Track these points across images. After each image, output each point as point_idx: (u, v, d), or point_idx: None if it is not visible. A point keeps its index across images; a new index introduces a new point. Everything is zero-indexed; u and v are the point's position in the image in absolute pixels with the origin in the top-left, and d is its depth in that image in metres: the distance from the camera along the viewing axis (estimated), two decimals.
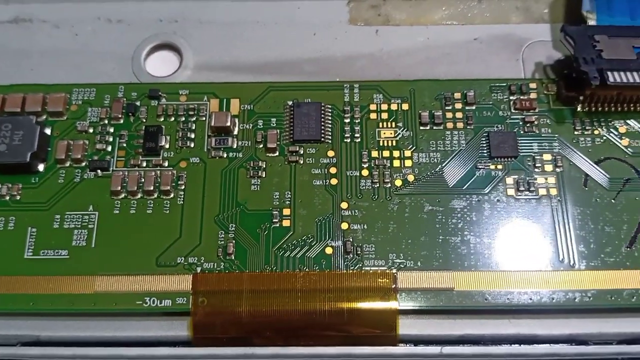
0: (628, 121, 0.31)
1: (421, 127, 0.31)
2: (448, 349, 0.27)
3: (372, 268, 0.28)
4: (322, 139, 0.31)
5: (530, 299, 0.28)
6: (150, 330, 0.28)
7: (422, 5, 0.34)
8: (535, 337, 0.28)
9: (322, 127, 0.31)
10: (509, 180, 0.30)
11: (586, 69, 0.29)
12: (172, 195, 0.30)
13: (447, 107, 0.31)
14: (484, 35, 0.33)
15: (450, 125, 0.31)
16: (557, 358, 0.28)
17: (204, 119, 0.31)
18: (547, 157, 0.30)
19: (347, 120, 0.31)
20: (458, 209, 0.29)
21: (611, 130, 0.31)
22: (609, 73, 0.29)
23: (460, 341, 0.28)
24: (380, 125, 0.31)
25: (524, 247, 0.29)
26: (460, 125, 0.31)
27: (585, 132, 0.31)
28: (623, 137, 0.30)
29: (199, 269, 0.28)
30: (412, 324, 0.28)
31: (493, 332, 0.28)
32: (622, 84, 0.29)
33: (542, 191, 0.30)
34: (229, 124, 0.30)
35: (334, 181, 0.30)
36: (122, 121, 0.31)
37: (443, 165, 0.30)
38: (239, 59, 0.33)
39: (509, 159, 0.30)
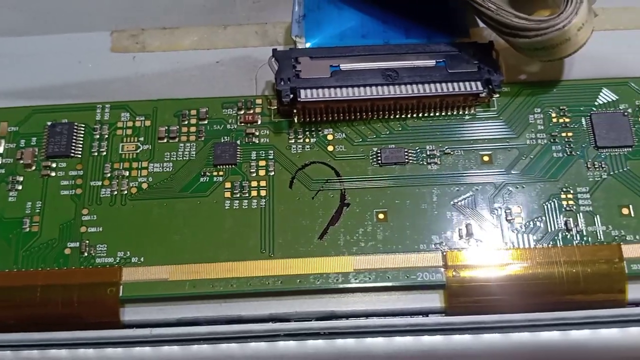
0: (336, 129, 0.36)
1: (159, 141, 0.36)
2: (157, 330, 0.32)
3: (102, 265, 0.33)
4: (72, 155, 0.36)
5: (232, 284, 0.33)
6: None
7: (174, 34, 0.39)
8: (240, 317, 0.33)
9: (73, 144, 0.36)
10: (227, 184, 0.35)
11: (280, 88, 0.34)
12: None
13: (183, 123, 0.36)
14: (225, 58, 0.38)
15: (184, 138, 0.36)
16: (258, 334, 0.32)
17: None
18: (262, 163, 0.35)
19: (97, 137, 0.36)
20: (181, 211, 0.34)
21: (320, 138, 0.36)
22: (301, 91, 0.34)
23: (177, 324, 0.33)
24: (125, 140, 0.36)
25: (233, 241, 0.33)
26: (192, 138, 0.36)
27: (298, 141, 0.35)
28: (330, 144, 0.35)
29: None
30: (135, 311, 0.33)
31: (207, 315, 0.33)
32: (312, 99, 0.34)
33: (254, 193, 0.34)
34: None
35: (79, 191, 0.35)
36: None
37: (174, 173, 0.35)
38: (13, 86, 0.38)
39: (229, 166, 0.35)
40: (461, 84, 0.35)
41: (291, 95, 0.34)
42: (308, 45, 0.36)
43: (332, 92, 0.34)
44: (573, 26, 0.32)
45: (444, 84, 0.35)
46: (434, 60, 0.35)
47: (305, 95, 0.34)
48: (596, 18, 0.37)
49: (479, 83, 0.35)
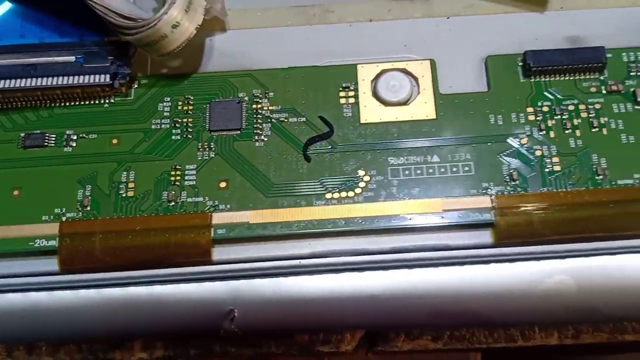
0: None
1: None
2: None
3: None
4: None
5: None
6: None
7: None
8: None
9: None
10: None
11: None
12: None
13: None
14: None
15: None
16: None
17: None
18: None
19: None
20: None
21: None
22: None
23: None
24: None
25: None
26: None
27: None
28: None
29: None
30: None
31: None
32: None
33: None
34: None
35: None
36: None
37: None
38: None
39: None
40: (91, 76, 0.40)
41: None
42: None
43: None
44: (164, 24, 0.37)
45: (76, 77, 0.40)
46: (74, 57, 0.40)
47: None
48: (234, 17, 0.43)
49: (107, 76, 0.40)
